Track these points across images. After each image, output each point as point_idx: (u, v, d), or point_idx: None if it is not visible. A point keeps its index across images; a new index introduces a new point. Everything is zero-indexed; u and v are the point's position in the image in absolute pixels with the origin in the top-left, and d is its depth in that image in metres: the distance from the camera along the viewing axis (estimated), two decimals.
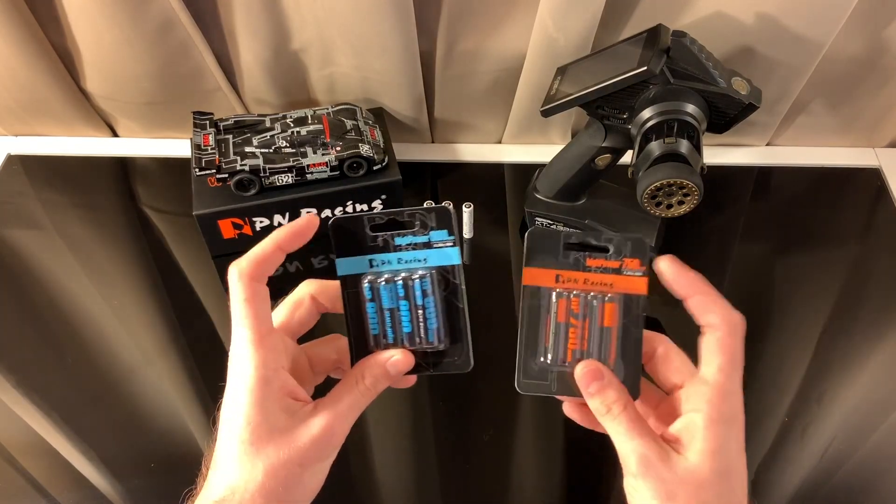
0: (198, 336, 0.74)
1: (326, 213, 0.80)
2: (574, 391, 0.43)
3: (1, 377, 0.71)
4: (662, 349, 0.44)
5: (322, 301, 0.45)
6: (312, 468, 0.40)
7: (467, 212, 0.80)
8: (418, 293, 0.43)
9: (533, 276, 0.44)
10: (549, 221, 0.80)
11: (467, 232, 0.82)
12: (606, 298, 0.43)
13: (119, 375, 0.71)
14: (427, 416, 0.68)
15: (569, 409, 0.46)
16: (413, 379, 0.45)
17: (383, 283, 0.43)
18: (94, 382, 0.71)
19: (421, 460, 0.66)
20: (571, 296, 0.43)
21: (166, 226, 0.84)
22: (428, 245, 0.43)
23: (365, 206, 0.81)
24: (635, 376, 0.43)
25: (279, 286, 0.43)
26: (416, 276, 0.43)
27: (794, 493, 0.62)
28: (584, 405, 0.43)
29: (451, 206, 0.43)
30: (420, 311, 0.43)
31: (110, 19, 0.76)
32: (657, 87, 0.64)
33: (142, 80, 0.84)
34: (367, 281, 0.43)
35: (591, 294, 0.43)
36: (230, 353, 0.40)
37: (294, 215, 0.79)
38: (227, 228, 0.78)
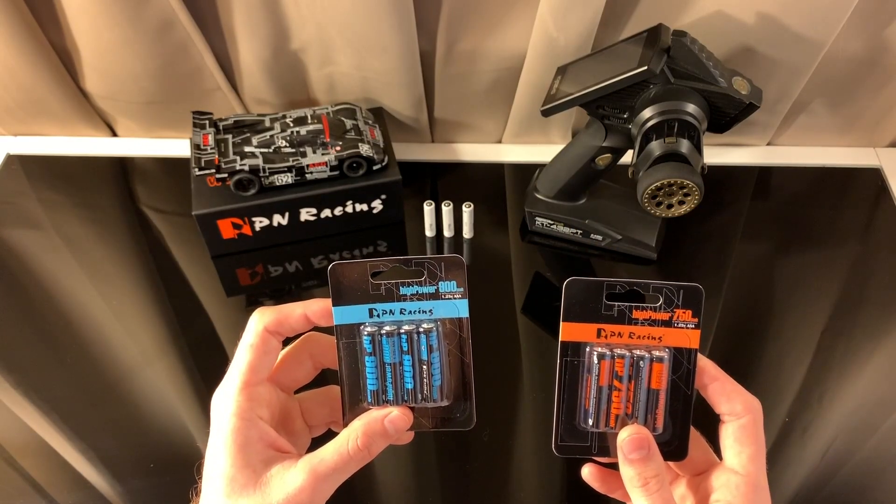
0: (197, 336, 0.74)
1: (326, 212, 0.80)
2: (615, 453, 0.40)
3: (1, 377, 0.71)
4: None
5: (320, 360, 0.44)
6: None
7: (467, 212, 0.80)
8: (423, 348, 0.40)
9: (571, 331, 0.40)
10: (550, 221, 0.80)
11: (467, 232, 0.82)
12: (654, 357, 0.40)
13: (119, 375, 0.71)
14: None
15: (590, 475, 0.43)
16: (411, 435, 0.42)
17: (385, 335, 0.40)
18: (94, 382, 0.70)
19: (421, 460, 0.66)
20: (615, 356, 0.40)
21: (166, 226, 0.84)
22: (435, 296, 0.40)
23: (365, 206, 0.80)
24: (683, 436, 0.41)
25: (286, 289, 0.42)
26: (422, 329, 0.40)
27: (795, 493, 0.62)
28: (610, 472, 0.41)
29: (462, 257, 0.40)
30: (424, 367, 0.40)
31: (110, 19, 0.76)
32: (657, 87, 0.64)
33: (141, 80, 0.84)
34: (366, 332, 0.40)
35: (637, 353, 0.40)
36: (214, 395, 0.40)
37: (294, 215, 0.79)
38: (226, 228, 0.78)
